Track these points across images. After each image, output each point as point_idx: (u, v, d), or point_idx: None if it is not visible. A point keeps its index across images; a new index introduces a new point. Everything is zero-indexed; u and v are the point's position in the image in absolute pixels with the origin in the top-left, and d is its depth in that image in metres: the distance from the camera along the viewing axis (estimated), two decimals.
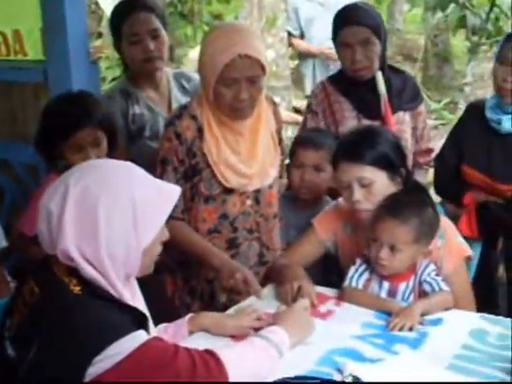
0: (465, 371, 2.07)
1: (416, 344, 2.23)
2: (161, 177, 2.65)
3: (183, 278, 2.92)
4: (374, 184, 2.55)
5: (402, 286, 2.51)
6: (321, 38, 6.07)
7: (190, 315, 2.32)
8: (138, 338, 1.79)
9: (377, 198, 2.53)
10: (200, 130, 2.73)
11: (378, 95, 3.24)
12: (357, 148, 2.57)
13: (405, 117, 3.33)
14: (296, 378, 1.99)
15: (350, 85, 3.30)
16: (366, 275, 2.54)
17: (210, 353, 1.89)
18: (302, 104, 7.72)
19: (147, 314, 1.97)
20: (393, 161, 2.60)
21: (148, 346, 1.79)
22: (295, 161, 3.15)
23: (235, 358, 1.92)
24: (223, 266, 2.63)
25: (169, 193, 1.93)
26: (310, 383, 1.98)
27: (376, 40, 3.17)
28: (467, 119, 3.07)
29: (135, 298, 2.01)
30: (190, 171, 2.75)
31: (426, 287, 2.50)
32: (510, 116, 2.90)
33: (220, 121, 2.73)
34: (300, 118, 4.67)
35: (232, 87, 2.61)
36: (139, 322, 1.84)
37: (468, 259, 2.68)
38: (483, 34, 8.68)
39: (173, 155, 2.73)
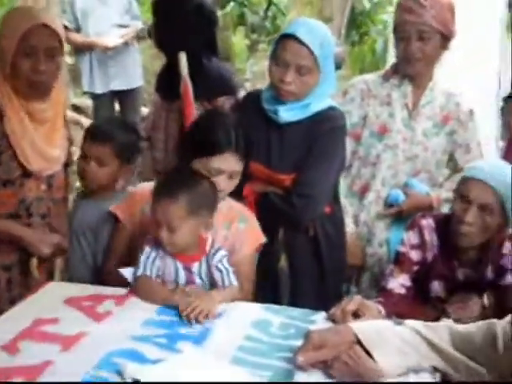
0: (249, 364, 2.03)
1: (199, 340, 2.17)
2: None
3: None
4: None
5: (196, 266, 2.51)
6: (98, 31, 5.92)
7: None
8: None
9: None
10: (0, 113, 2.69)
11: (178, 76, 3.34)
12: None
13: None
14: None
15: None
16: (158, 261, 2.51)
17: None
18: (81, 101, 7.49)
19: None
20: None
21: None
22: None
23: None
24: (33, 237, 2.75)
25: None
26: None
27: None
28: (245, 110, 3.05)
29: None
30: None
31: (216, 274, 2.50)
32: (286, 106, 2.91)
33: (20, 103, 2.70)
34: (80, 118, 4.48)
35: (31, 57, 2.65)
36: None
37: (260, 247, 2.77)
38: (262, 32, 8.92)
39: None
